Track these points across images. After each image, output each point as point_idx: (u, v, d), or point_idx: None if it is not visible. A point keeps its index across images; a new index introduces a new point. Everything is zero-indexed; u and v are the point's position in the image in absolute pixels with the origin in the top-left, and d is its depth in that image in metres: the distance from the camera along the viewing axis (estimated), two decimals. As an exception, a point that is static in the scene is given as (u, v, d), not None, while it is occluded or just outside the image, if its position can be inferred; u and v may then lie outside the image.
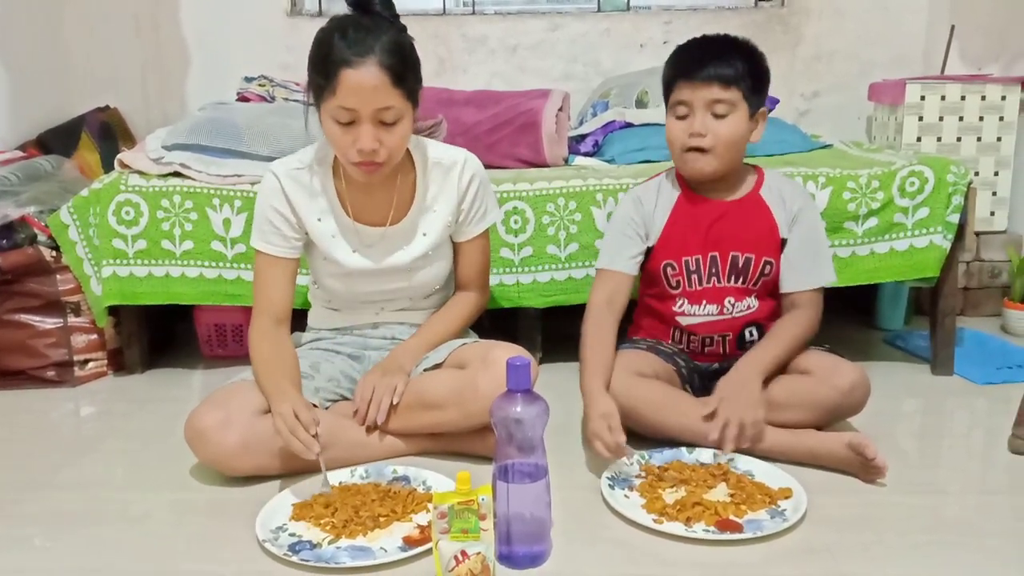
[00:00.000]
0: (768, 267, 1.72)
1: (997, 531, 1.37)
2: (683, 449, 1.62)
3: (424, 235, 1.72)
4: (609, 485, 1.49)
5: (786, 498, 1.45)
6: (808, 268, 1.73)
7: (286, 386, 1.55)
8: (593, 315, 1.74)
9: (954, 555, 1.29)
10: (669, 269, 1.74)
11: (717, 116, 1.66)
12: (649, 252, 1.77)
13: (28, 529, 1.42)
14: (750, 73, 1.66)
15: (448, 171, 1.71)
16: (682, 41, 1.74)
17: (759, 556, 1.29)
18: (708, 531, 1.35)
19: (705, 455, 1.60)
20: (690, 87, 1.66)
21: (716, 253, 1.72)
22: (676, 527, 1.36)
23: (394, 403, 1.61)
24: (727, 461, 1.57)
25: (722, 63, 1.64)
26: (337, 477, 1.52)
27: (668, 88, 1.72)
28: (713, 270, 1.72)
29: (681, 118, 1.69)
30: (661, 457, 1.60)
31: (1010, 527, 1.38)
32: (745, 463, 1.57)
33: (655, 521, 1.38)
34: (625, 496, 1.47)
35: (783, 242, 1.75)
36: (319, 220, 1.68)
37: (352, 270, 1.71)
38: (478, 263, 1.80)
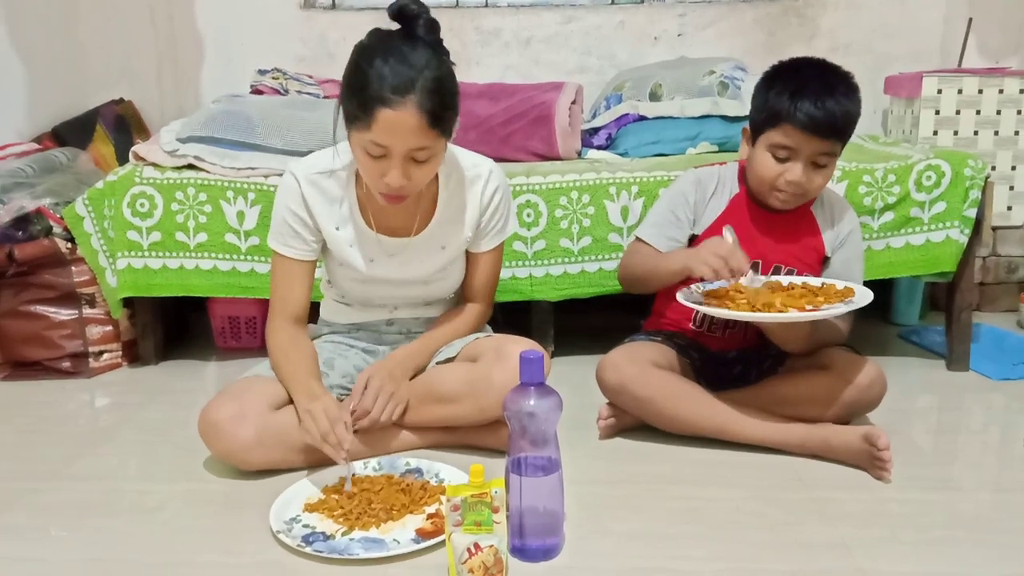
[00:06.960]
0: None
1: (1012, 528, 1.36)
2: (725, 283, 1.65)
3: (443, 248, 1.69)
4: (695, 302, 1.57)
5: (849, 297, 1.57)
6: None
7: (313, 384, 1.56)
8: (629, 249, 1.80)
9: (969, 551, 1.28)
10: None
11: (817, 166, 1.64)
12: (692, 238, 1.76)
13: (44, 519, 1.43)
14: (856, 123, 1.64)
15: (472, 183, 1.67)
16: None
17: (770, 552, 1.29)
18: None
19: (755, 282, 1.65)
20: (805, 139, 1.60)
21: (759, 260, 1.71)
22: (795, 314, 1.49)
23: (393, 419, 1.60)
24: (767, 280, 1.65)
25: (847, 120, 1.61)
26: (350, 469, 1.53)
27: (771, 123, 1.63)
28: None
29: (780, 160, 1.64)
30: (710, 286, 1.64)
31: (1026, 524, 1.37)
32: (789, 280, 1.67)
33: (781, 308, 1.50)
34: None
35: (825, 259, 1.76)
36: (337, 229, 1.65)
37: (368, 277, 1.69)
38: (488, 276, 1.77)
